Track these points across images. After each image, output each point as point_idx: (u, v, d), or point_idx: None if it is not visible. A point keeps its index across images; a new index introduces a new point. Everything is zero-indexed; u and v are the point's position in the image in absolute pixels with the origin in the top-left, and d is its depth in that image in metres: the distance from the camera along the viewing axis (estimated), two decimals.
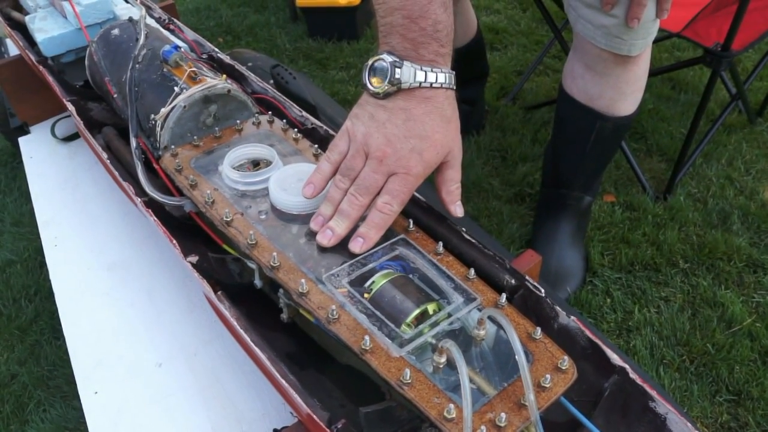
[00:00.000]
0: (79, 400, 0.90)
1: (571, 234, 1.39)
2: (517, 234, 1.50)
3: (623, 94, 1.20)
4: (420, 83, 0.68)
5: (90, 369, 0.92)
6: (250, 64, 1.42)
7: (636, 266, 1.43)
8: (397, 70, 0.68)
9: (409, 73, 0.68)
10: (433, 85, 0.69)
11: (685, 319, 1.32)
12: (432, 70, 0.69)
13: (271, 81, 1.32)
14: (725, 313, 1.32)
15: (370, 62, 0.71)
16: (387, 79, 0.68)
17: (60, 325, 1.01)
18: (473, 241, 0.74)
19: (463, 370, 0.53)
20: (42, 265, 1.48)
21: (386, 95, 0.69)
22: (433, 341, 0.61)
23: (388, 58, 0.68)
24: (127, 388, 0.89)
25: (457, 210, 0.74)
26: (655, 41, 1.17)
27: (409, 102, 0.69)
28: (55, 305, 1.04)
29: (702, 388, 1.20)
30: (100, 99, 1.18)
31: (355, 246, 0.69)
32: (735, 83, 1.70)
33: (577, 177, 1.35)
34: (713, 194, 1.61)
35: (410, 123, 0.69)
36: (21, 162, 1.43)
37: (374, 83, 0.70)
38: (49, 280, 1.08)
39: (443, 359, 0.58)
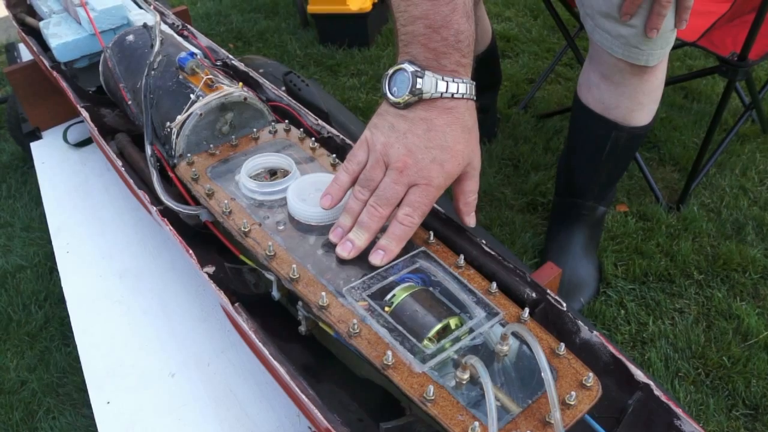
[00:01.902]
0: (89, 408, 0.89)
1: (584, 244, 1.38)
2: (530, 244, 1.49)
3: (640, 104, 1.19)
4: (441, 94, 0.67)
5: (102, 378, 0.92)
6: (261, 70, 1.42)
7: (650, 277, 1.41)
8: (419, 80, 0.67)
9: (431, 84, 0.67)
10: (455, 96, 0.68)
11: (700, 331, 1.30)
12: (453, 81, 0.68)
13: (283, 88, 1.31)
14: (741, 325, 1.30)
15: (390, 71, 0.70)
16: (408, 89, 0.67)
17: (70, 331, 1.01)
18: (493, 253, 0.73)
19: (489, 388, 0.52)
20: (52, 270, 1.47)
21: (407, 105, 0.68)
22: (455, 356, 0.60)
23: (410, 68, 0.67)
24: (139, 398, 0.88)
25: (471, 221, 0.74)
26: None
27: (430, 112, 0.68)
28: (66, 311, 1.04)
29: (718, 402, 1.18)
30: (113, 105, 1.18)
31: (376, 259, 0.68)
32: (750, 93, 1.68)
33: (591, 187, 1.34)
34: (727, 204, 1.59)
35: (431, 133, 0.68)
36: (32, 167, 1.43)
37: (394, 93, 0.69)
38: (60, 286, 1.08)
39: (466, 375, 0.57)
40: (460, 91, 0.68)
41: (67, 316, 1.03)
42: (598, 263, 1.41)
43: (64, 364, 1.30)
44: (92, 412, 0.89)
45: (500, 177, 1.69)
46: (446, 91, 0.68)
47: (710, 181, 1.66)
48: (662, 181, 1.68)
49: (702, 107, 1.94)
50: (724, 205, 1.59)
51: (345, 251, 0.69)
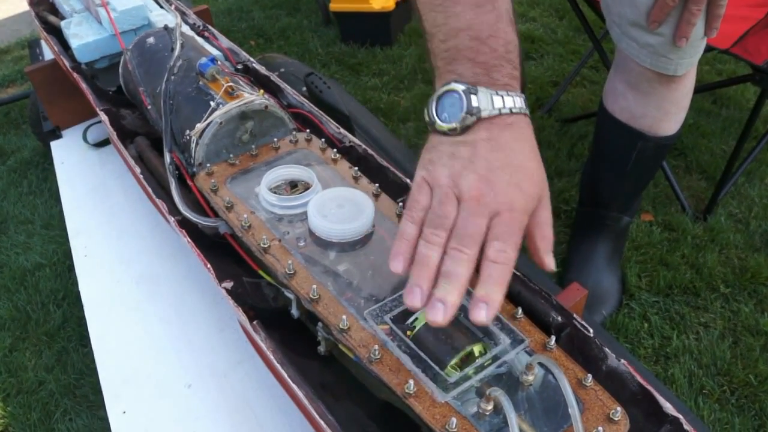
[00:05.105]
0: (105, 411, 0.89)
1: (607, 255, 1.35)
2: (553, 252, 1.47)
3: (667, 113, 1.16)
4: (500, 110, 0.60)
5: (118, 386, 0.91)
6: (282, 69, 1.40)
7: (674, 290, 1.38)
8: (473, 98, 0.59)
9: (487, 100, 0.59)
10: (513, 111, 0.60)
11: (726, 347, 1.27)
12: (508, 94, 0.61)
13: (304, 89, 1.30)
14: None
15: (435, 96, 0.62)
16: (463, 110, 0.59)
17: (87, 332, 1.00)
18: (518, 273, 0.71)
19: (514, 422, 0.50)
20: (71, 269, 1.47)
21: (464, 129, 0.60)
22: (478, 384, 0.58)
23: (460, 87, 0.60)
24: (155, 408, 0.87)
25: (550, 261, 0.62)
26: None
27: (492, 131, 0.60)
28: (83, 312, 1.03)
29: (744, 422, 1.15)
30: (133, 106, 1.17)
31: (479, 315, 0.54)
32: None
33: (616, 197, 1.32)
34: (756, 215, 1.55)
35: (498, 153, 0.59)
36: (52, 164, 1.43)
37: (445, 119, 0.60)
38: (77, 287, 1.07)
39: (490, 406, 0.56)
40: (517, 106, 0.61)
41: (84, 316, 1.03)
42: (621, 275, 1.38)
43: (81, 365, 1.31)
44: (108, 417, 0.88)
45: None
46: (504, 107, 0.60)
47: (739, 191, 1.62)
48: (689, 190, 1.64)
49: (731, 113, 1.90)
50: (752, 216, 1.55)
51: (439, 315, 0.54)
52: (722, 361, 1.24)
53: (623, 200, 1.33)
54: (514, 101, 0.61)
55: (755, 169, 1.68)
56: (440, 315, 0.54)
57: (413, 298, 0.55)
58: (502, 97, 0.60)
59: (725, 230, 1.50)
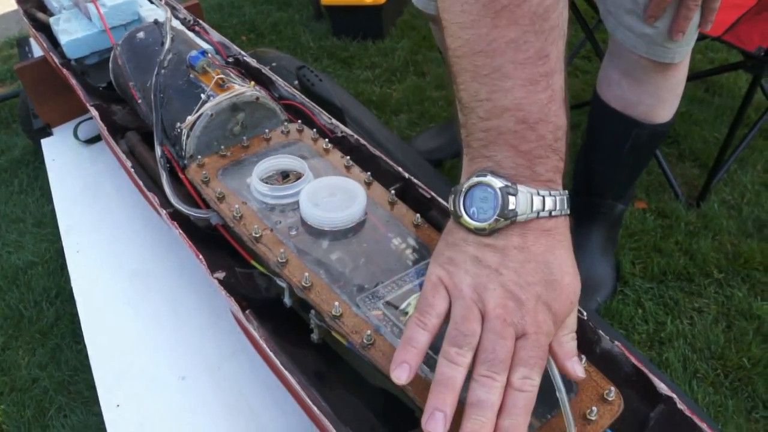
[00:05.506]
0: (100, 406, 0.88)
1: (602, 243, 1.35)
2: None
3: (662, 100, 1.15)
4: (538, 213, 0.52)
5: (112, 381, 0.91)
6: (274, 64, 1.40)
7: (668, 276, 1.39)
8: (511, 199, 0.51)
9: (526, 202, 0.51)
10: (553, 213, 0.52)
11: (720, 331, 1.28)
12: (550, 194, 0.52)
13: (296, 82, 1.29)
14: (762, 326, 1.28)
15: (465, 185, 0.54)
16: (496, 212, 0.51)
17: (81, 329, 1.00)
18: None
19: None
20: (63, 267, 1.47)
21: (493, 231, 0.52)
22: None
23: (497, 183, 0.52)
24: (149, 401, 0.87)
25: (577, 369, 0.53)
26: None
27: (526, 238, 0.52)
28: (76, 309, 1.03)
29: (737, 404, 1.16)
30: (123, 102, 1.17)
31: None
32: None
33: (610, 185, 1.32)
34: (748, 201, 1.56)
35: (531, 265, 0.52)
36: (43, 162, 1.43)
37: (474, 215, 0.53)
38: (70, 284, 1.07)
39: None
40: (558, 208, 0.52)
41: (78, 314, 1.02)
42: (615, 262, 1.39)
43: (75, 362, 1.30)
44: (102, 411, 0.88)
45: None
46: (543, 209, 0.52)
47: (731, 178, 1.63)
48: (682, 177, 1.65)
49: (723, 101, 1.90)
50: (745, 202, 1.55)
51: None
52: (716, 345, 1.24)
53: (617, 188, 1.33)
54: (556, 202, 0.52)
55: (748, 156, 1.69)
56: None
57: (436, 425, 0.48)
58: (543, 197, 0.52)
59: (718, 217, 1.51)
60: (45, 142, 1.42)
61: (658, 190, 1.61)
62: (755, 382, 1.18)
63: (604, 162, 1.29)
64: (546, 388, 0.57)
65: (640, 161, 1.29)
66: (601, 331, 0.66)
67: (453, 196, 0.54)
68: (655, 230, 1.48)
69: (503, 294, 0.51)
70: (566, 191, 0.54)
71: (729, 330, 1.28)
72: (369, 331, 0.59)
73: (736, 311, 1.31)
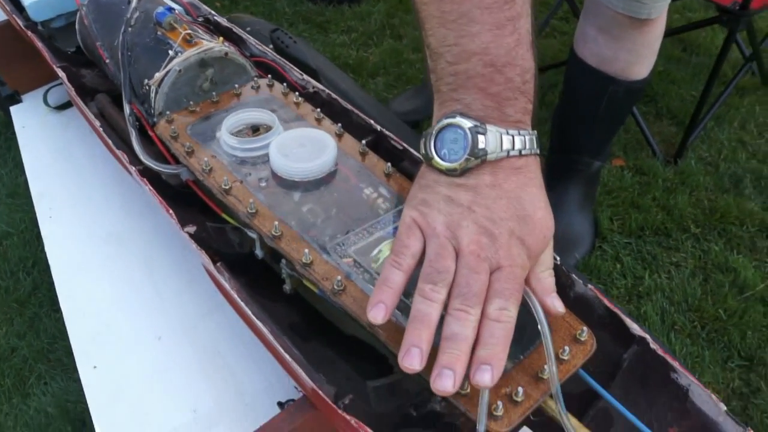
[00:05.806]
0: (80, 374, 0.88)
1: (580, 200, 1.36)
2: None
3: (639, 57, 1.15)
4: (508, 152, 0.53)
5: (88, 343, 0.90)
6: (248, 29, 1.37)
7: (646, 231, 1.40)
8: (480, 138, 0.52)
9: (495, 141, 0.52)
10: (522, 153, 0.53)
11: (697, 284, 1.29)
12: (519, 134, 0.53)
13: (271, 45, 1.27)
14: (737, 278, 1.29)
15: (435, 128, 0.54)
16: (467, 151, 0.52)
17: (57, 296, 0.99)
18: None
19: None
20: (39, 237, 1.45)
21: (464, 171, 0.53)
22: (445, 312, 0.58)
23: (466, 123, 0.52)
24: (126, 362, 0.87)
25: (557, 304, 0.54)
26: None
27: (497, 176, 0.53)
28: (53, 278, 1.02)
29: (713, 354, 1.17)
30: (93, 65, 1.14)
31: (485, 378, 0.48)
32: (751, 44, 1.65)
33: (587, 142, 1.32)
34: (725, 158, 1.57)
35: (502, 202, 0.52)
36: (14, 132, 1.40)
37: (445, 156, 0.54)
38: (46, 253, 1.06)
39: None
40: (527, 147, 0.53)
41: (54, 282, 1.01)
42: (593, 219, 1.39)
43: (53, 330, 1.29)
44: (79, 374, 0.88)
45: None
46: (513, 148, 0.53)
47: (708, 135, 1.64)
48: (659, 135, 1.65)
49: (701, 60, 1.91)
50: (722, 159, 1.57)
51: (448, 385, 0.47)
52: (693, 298, 1.26)
53: (594, 145, 1.33)
54: (525, 141, 0.53)
55: (724, 114, 1.69)
56: (449, 384, 0.48)
57: (412, 360, 0.48)
58: (513, 137, 0.53)
59: (695, 173, 1.52)
60: (14, 109, 1.39)
61: (636, 147, 1.61)
62: (731, 332, 1.20)
63: (580, 119, 1.29)
64: (519, 328, 0.58)
65: (616, 118, 1.29)
66: (574, 276, 0.66)
67: (424, 139, 0.55)
68: (633, 187, 1.49)
69: (476, 230, 0.51)
70: (535, 131, 0.54)
71: (706, 283, 1.30)
72: (339, 277, 0.59)
73: (713, 265, 1.33)
